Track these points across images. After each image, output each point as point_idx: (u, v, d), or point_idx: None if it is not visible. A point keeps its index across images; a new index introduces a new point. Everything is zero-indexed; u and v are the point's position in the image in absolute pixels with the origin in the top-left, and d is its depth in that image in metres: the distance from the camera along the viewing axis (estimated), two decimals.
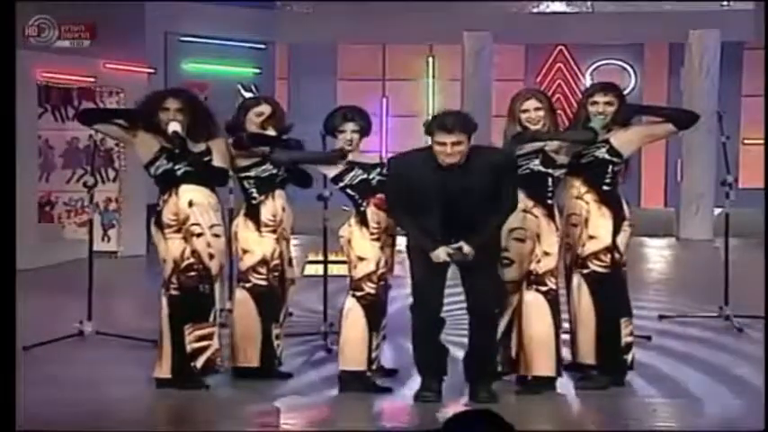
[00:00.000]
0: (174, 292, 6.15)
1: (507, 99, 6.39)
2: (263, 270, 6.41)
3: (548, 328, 6.10)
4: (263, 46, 17.27)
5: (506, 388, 6.12)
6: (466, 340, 6.07)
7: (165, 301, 6.17)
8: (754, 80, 17.31)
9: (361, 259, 6.18)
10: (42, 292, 9.64)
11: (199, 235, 6.15)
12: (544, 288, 6.11)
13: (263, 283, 6.42)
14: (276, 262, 6.46)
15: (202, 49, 16.17)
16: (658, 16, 16.53)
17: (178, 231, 6.16)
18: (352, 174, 6.25)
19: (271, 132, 6.49)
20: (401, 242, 6.11)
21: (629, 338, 6.29)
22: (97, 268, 7.95)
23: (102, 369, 6.83)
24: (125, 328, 7.68)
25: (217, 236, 6.23)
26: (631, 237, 6.35)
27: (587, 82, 19.05)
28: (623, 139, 6.27)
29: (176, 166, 6.17)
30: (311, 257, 10.84)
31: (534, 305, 6.10)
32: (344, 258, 6.36)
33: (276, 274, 6.47)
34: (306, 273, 10.25)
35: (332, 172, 6.33)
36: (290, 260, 6.65)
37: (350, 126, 6.26)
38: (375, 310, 6.17)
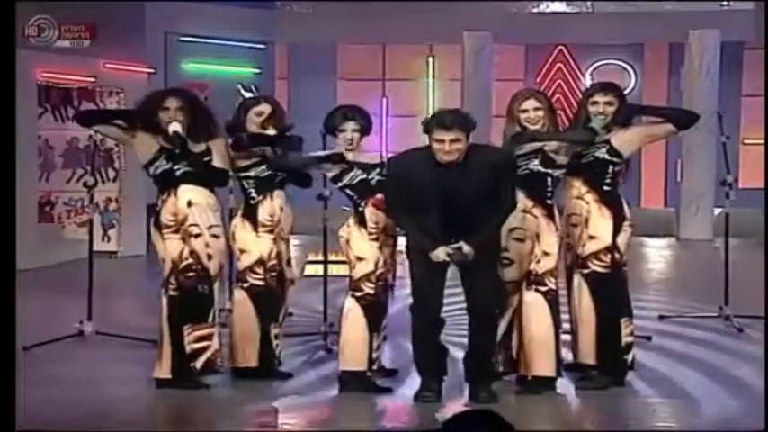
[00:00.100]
0: (172, 293, 6.15)
1: (507, 99, 6.38)
2: (261, 270, 6.40)
3: (548, 329, 6.09)
4: (262, 46, 17.26)
5: (506, 388, 6.12)
6: (466, 340, 6.07)
7: (164, 301, 6.18)
8: (754, 80, 17.32)
9: (359, 259, 6.18)
10: (42, 292, 9.63)
11: (197, 235, 6.15)
12: (544, 288, 6.10)
13: (261, 283, 6.41)
14: (274, 262, 6.45)
15: (202, 49, 16.17)
16: (658, 16, 16.52)
17: (176, 232, 6.16)
18: (351, 174, 6.25)
19: (271, 132, 6.48)
20: (401, 243, 6.12)
21: (630, 338, 6.29)
22: (97, 268, 7.94)
23: (102, 369, 6.83)
24: (125, 328, 7.68)
25: (215, 236, 6.22)
26: (631, 237, 6.35)
27: (587, 82, 19.07)
28: (623, 140, 6.27)
29: (175, 167, 6.17)
30: (311, 257, 10.83)
31: (534, 305, 6.10)
32: (344, 258, 6.36)
33: (274, 274, 6.46)
34: (306, 273, 10.25)
35: (331, 171, 6.33)
36: (289, 260, 6.63)
37: (350, 125, 6.26)
38: (375, 310, 6.17)
